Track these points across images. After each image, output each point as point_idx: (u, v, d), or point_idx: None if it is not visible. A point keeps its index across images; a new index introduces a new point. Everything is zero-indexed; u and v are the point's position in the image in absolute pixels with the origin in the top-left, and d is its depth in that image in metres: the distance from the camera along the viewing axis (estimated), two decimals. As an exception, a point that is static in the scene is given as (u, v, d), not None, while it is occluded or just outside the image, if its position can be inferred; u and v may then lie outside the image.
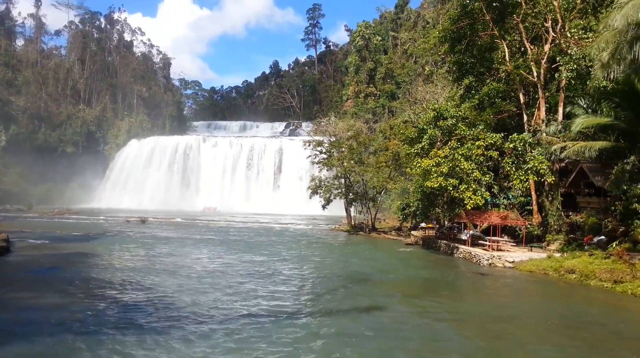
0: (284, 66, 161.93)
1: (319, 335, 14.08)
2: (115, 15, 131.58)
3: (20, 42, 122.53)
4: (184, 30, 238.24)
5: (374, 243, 42.40)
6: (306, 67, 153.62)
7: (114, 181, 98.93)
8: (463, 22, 38.53)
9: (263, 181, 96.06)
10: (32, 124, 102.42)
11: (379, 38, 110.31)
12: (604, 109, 32.39)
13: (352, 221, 53.72)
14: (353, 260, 31.40)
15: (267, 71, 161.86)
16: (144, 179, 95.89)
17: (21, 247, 31.77)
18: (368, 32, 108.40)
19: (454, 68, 43.76)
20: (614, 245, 25.79)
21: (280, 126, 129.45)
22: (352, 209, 54.14)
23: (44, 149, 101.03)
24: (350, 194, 52.48)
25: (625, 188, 26.56)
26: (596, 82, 29.56)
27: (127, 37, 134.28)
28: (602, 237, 27.70)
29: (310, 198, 56.86)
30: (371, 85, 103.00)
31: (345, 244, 41.78)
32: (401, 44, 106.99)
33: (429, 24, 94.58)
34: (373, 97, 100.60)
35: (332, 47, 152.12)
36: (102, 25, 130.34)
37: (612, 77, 27.34)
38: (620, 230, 27.22)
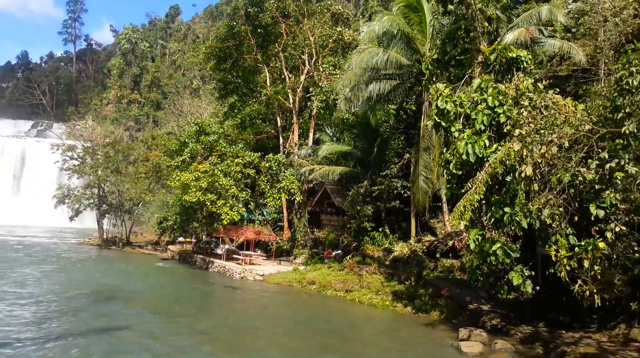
0: (35, 58, 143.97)
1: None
2: None
3: None
4: None
5: (127, 258, 40.21)
6: (62, 64, 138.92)
7: None
8: (230, 42, 39.90)
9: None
10: None
11: (147, 44, 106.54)
12: (346, 138, 37.23)
13: (105, 234, 50.16)
14: (101, 277, 29.11)
15: (14, 61, 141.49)
16: None
17: None
18: (135, 36, 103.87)
19: (219, 85, 44.77)
20: (347, 258, 29.34)
21: (26, 124, 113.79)
22: (105, 221, 50.58)
23: None
24: (104, 205, 49.01)
25: (358, 208, 30.60)
26: (340, 114, 33.65)
27: None
28: (339, 251, 31.32)
29: (55, 208, 51.10)
30: (136, 91, 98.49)
31: (94, 260, 38.64)
32: (170, 54, 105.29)
33: (199, 39, 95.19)
34: (137, 105, 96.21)
35: (94, 46, 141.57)
36: None
37: (352, 111, 31.47)
38: (354, 245, 31.19)
